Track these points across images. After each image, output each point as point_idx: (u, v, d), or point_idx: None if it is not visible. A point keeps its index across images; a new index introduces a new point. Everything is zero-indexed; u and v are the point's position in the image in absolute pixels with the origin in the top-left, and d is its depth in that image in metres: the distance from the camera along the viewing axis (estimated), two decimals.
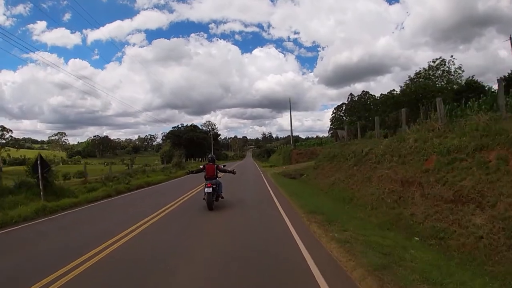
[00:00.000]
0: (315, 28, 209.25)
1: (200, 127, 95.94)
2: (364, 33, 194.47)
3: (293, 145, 41.04)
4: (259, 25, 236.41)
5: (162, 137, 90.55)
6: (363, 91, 77.79)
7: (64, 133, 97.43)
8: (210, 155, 8.94)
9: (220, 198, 8.69)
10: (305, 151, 34.38)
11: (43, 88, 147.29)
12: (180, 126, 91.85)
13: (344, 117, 77.10)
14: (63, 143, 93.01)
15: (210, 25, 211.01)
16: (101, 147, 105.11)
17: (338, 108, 78.39)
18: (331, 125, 77.41)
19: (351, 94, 77.72)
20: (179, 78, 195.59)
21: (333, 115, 78.71)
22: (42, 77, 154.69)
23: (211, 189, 7.92)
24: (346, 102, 78.00)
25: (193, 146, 77.41)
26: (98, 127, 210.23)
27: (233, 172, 9.55)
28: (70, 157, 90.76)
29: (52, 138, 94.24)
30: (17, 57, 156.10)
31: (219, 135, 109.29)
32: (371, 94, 78.54)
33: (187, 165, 39.74)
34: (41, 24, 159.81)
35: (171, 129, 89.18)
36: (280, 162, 40.36)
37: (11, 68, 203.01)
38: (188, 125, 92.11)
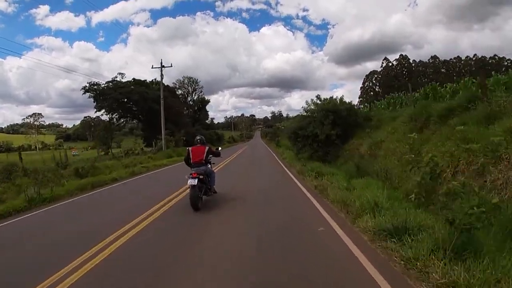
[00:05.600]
0: (325, 5, 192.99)
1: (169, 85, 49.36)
2: (375, 10, 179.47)
3: None
4: (267, 2, 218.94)
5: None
6: (400, 54, 65.71)
7: (40, 114, 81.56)
8: (198, 137, 6.75)
9: (212, 193, 6.74)
10: None
11: (49, 72, 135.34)
12: (114, 79, 38.93)
13: (376, 88, 65.77)
14: (40, 125, 78.24)
15: (216, 3, 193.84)
16: (92, 129, 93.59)
17: (368, 76, 66.69)
18: (359, 97, 66.32)
19: (385, 58, 65.85)
20: (186, 57, 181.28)
21: (363, 85, 67.05)
22: (48, 62, 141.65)
23: (196, 180, 5.72)
24: (379, 70, 66.33)
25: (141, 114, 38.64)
26: None
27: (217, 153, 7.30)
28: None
29: (27, 120, 77.35)
30: (22, 43, 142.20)
31: (208, 101, 61.50)
32: (408, 59, 66.61)
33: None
34: (44, 9, 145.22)
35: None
36: None
37: (16, 54, 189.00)
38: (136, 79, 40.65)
